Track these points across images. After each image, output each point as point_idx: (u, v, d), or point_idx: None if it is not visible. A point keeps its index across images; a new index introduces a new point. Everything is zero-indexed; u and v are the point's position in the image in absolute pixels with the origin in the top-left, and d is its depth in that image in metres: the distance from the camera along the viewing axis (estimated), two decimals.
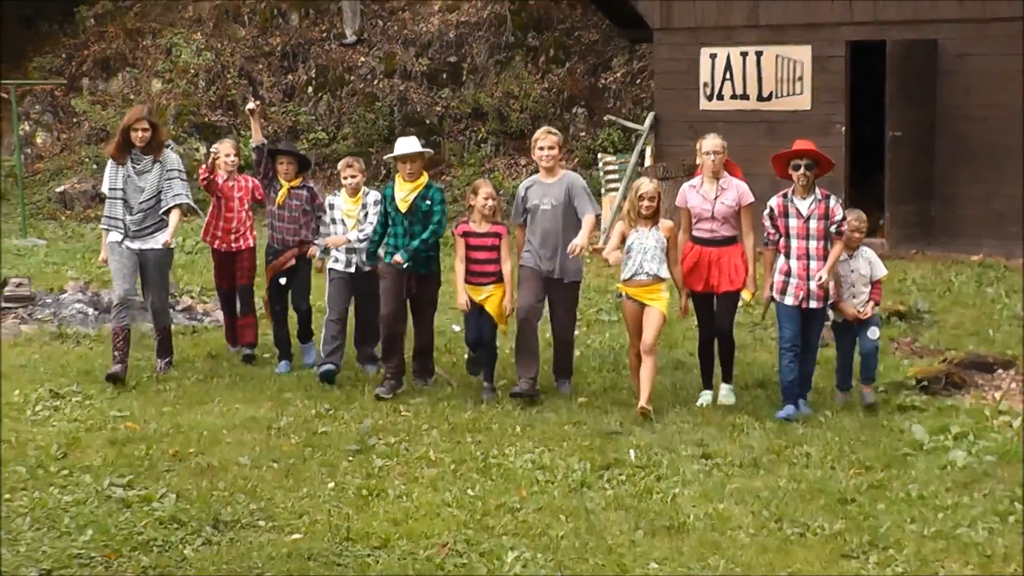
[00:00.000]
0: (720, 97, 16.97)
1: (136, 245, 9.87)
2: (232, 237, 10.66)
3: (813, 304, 8.85)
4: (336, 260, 10.03)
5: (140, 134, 9.81)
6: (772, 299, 9.01)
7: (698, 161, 9.40)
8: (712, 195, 9.25)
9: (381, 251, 9.53)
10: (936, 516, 6.79)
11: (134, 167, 9.86)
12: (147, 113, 10.03)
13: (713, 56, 16.95)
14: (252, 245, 10.73)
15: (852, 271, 9.16)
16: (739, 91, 16.82)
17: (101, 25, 25.15)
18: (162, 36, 24.11)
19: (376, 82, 22.53)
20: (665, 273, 8.97)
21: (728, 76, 16.91)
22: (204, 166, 10.61)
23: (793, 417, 8.68)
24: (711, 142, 9.35)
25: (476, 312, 9.38)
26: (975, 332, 11.12)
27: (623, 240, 9.03)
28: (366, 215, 9.84)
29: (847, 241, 9.00)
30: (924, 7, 15.52)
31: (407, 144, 9.45)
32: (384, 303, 9.42)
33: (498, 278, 9.36)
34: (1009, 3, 15.02)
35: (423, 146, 9.59)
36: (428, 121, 21.70)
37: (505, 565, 6.09)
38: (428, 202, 9.30)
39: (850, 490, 7.22)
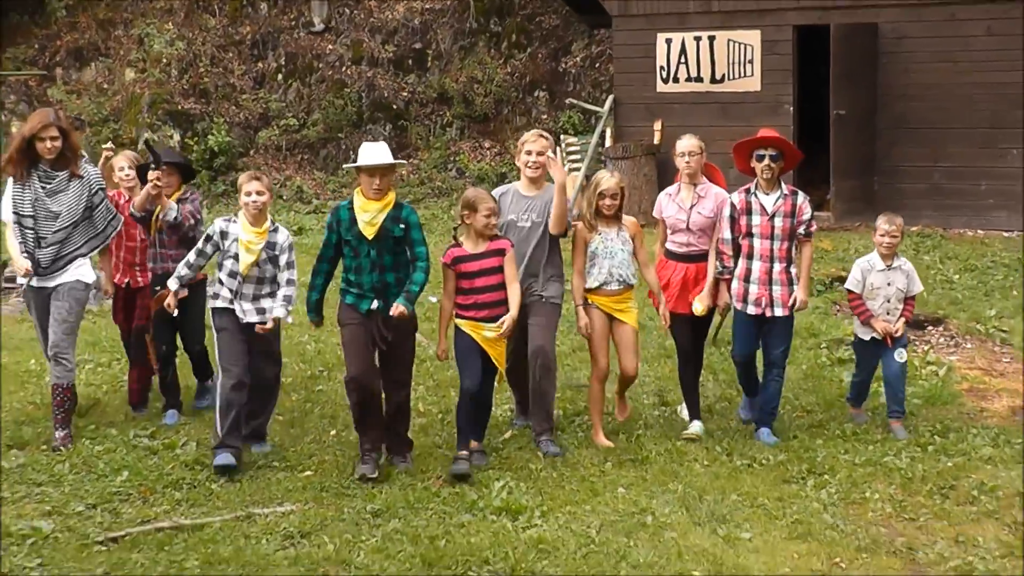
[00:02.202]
0: (676, 80, 17.87)
1: (44, 283, 7.98)
2: (136, 270, 8.80)
3: (778, 312, 7.93)
4: (218, 297, 7.70)
5: (48, 144, 7.83)
6: (729, 307, 8.14)
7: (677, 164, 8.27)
8: (688, 203, 8.16)
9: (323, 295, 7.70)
10: (866, 448, 7.76)
11: (43, 186, 7.88)
12: (55, 118, 8.01)
13: (668, 41, 17.83)
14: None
15: (889, 284, 8.30)
16: (693, 74, 17.72)
17: (73, 15, 25.67)
18: (134, 26, 24.74)
19: (344, 69, 23.20)
20: (635, 279, 8.03)
21: (683, 60, 17.80)
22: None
23: (748, 419, 8.32)
24: (686, 143, 8.22)
25: (476, 355, 7.54)
26: None
27: (585, 247, 7.95)
28: (273, 260, 7.65)
29: (882, 250, 8.26)
30: None
31: (375, 152, 7.39)
32: (350, 361, 7.37)
33: (503, 312, 7.55)
34: None
35: (392, 150, 7.72)
36: (395, 106, 22.45)
37: (492, 492, 6.99)
38: (402, 226, 7.36)
39: (792, 429, 8.18)
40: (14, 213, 7.93)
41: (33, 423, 8.48)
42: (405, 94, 22.67)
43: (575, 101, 19.95)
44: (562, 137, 19.50)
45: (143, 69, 23.89)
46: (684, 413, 8.40)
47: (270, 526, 6.56)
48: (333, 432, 8.19)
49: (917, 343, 10.44)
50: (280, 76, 23.53)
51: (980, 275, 12.81)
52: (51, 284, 7.96)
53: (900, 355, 8.26)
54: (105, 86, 24.17)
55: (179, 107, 23.18)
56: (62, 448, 7.84)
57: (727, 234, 8.05)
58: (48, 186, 7.89)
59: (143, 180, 8.29)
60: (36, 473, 7.44)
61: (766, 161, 7.94)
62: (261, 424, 8.00)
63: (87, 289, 8.14)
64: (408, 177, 21.44)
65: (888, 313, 8.30)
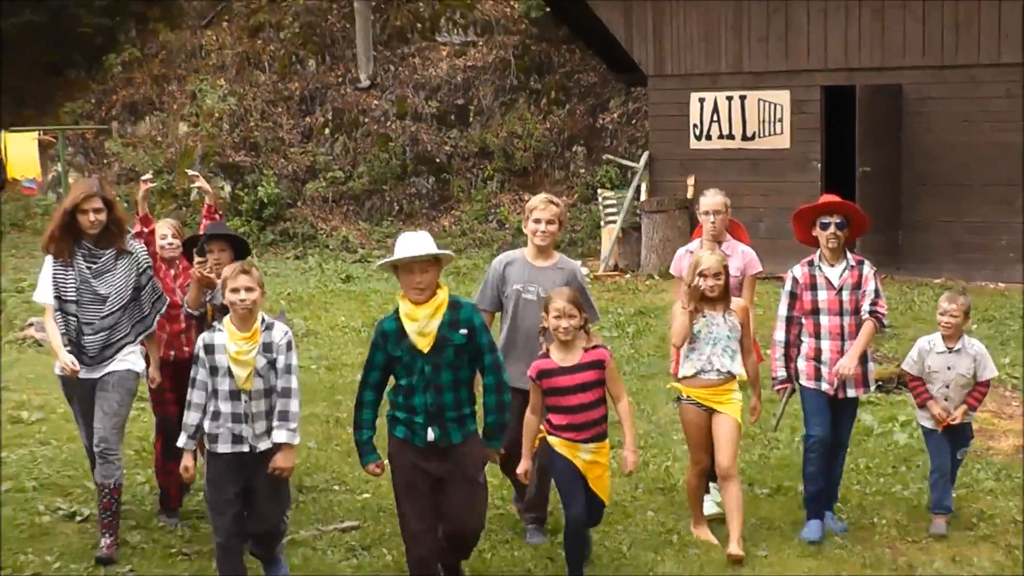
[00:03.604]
0: (708, 137, 18.65)
1: (92, 375, 7.12)
2: (183, 339, 7.82)
3: (851, 393, 7.39)
4: (216, 439, 6.39)
5: (92, 217, 6.99)
6: (793, 389, 7.47)
7: (699, 219, 7.85)
8: None
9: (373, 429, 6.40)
10: (878, 480, 8.43)
11: (88, 266, 7.05)
12: (99, 188, 7.10)
13: (702, 100, 18.64)
14: None
15: (949, 368, 7.49)
16: (725, 131, 18.51)
17: (128, 71, 26.79)
18: (187, 82, 25.80)
19: (389, 123, 24.13)
20: (739, 369, 7.12)
21: (715, 118, 18.59)
22: (135, 218, 8.01)
23: (820, 538, 7.27)
24: (711, 200, 7.75)
25: (578, 478, 6.58)
26: None
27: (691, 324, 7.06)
28: (274, 364, 6.34)
29: (943, 331, 7.49)
30: (890, 55, 17.19)
31: (415, 243, 6.08)
32: (407, 518, 6.24)
33: (604, 431, 6.63)
34: (965, 52, 16.72)
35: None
36: (438, 160, 23.33)
37: None
38: (464, 331, 6.10)
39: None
40: (56, 298, 7.04)
41: None
42: (447, 148, 23.52)
43: (612, 157, 20.75)
44: (599, 191, 20.26)
45: (196, 123, 24.87)
46: (708, 506, 7.68)
47: (334, 540, 7.31)
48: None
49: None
50: (327, 130, 24.45)
51: (997, 325, 13.45)
52: (97, 375, 7.11)
53: (961, 454, 7.67)
54: (159, 139, 25.18)
55: (230, 159, 24.08)
56: (108, 558, 7.00)
57: (784, 311, 7.43)
58: (94, 266, 7.05)
59: (189, 256, 7.66)
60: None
61: (831, 229, 7.26)
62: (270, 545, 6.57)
63: (137, 379, 7.29)
64: (451, 228, 22.28)
65: (946, 400, 7.51)
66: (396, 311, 6.15)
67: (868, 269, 7.37)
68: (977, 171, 16.71)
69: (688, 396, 7.13)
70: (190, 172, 8.98)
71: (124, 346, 7.17)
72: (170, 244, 7.93)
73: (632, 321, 14.35)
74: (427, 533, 6.17)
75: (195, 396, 6.39)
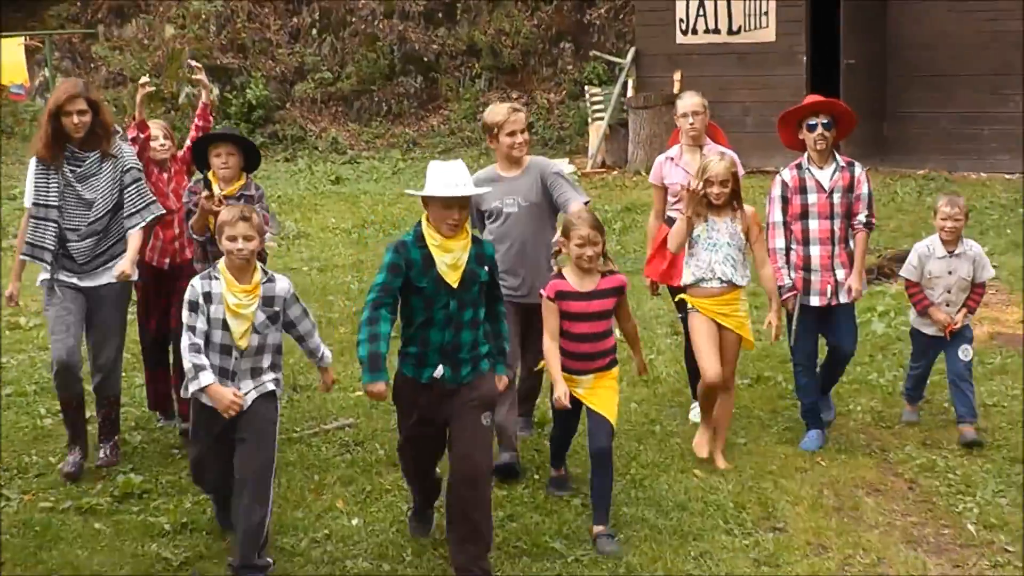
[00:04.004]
0: (695, 32, 18.67)
1: (85, 282, 6.93)
2: (175, 246, 7.62)
3: (844, 298, 7.18)
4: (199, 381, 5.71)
5: (76, 119, 6.75)
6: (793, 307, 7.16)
7: (677, 123, 7.59)
8: (695, 168, 7.18)
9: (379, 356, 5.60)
10: (855, 368, 8.63)
11: (72, 170, 6.83)
12: (83, 88, 6.86)
13: None
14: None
15: (951, 272, 7.40)
16: (711, 26, 18.52)
17: None
18: None
19: (376, 23, 24.00)
20: (744, 279, 6.89)
21: (701, 12, 18.59)
22: (131, 122, 7.67)
23: (820, 447, 7.23)
24: (689, 101, 7.49)
25: (573, 413, 6.33)
26: (911, 234, 12.90)
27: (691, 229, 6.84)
28: (274, 318, 5.83)
29: (944, 235, 7.38)
30: None
31: (453, 175, 5.67)
32: (410, 444, 6.01)
33: (612, 360, 6.29)
34: None
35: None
36: (426, 59, 23.28)
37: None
38: (487, 268, 5.76)
39: (787, 349, 9.03)
40: (35, 204, 6.84)
41: None
42: (435, 47, 23.46)
43: (598, 53, 20.74)
44: (586, 88, 20.29)
45: (183, 25, 24.75)
46: (693, 414, 7.69)
47: (328, 436, 7.56)
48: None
49: (891, 281, 11.31)
50: (315, 31, 24.35)
51: (978, 215, 13.61)
52: (91, 284, 6.91)
53: (965, 352, 7.42)
54: (146, 42, 25.06)
55: (218, 62, 23.98)
56: (111, 464, 7.12)
57: (778, 216, 7.20)
58: (78, 169, 6.81)
59: (199, 162, 7.16)
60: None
61: (819, 131, 7.05)
62: (255, 530, 5.71)
63: (127, 288, 7.12)
64: (439, 128, 22.33)
65: (948, 305, 7.43)
66: (417, 236, 5.66)
67: (860, 171, 7.19)
68: (963, 61, 16.82)
69: (693, 306, 6.87)
70: (193, 63, 8.60)
71: (119, 255, 6.91)
72: (161, 146, 7.63)
73: (619, 217, 14.53)
74: (430, 471, 6.05)
75: (199, 338, 5.75)
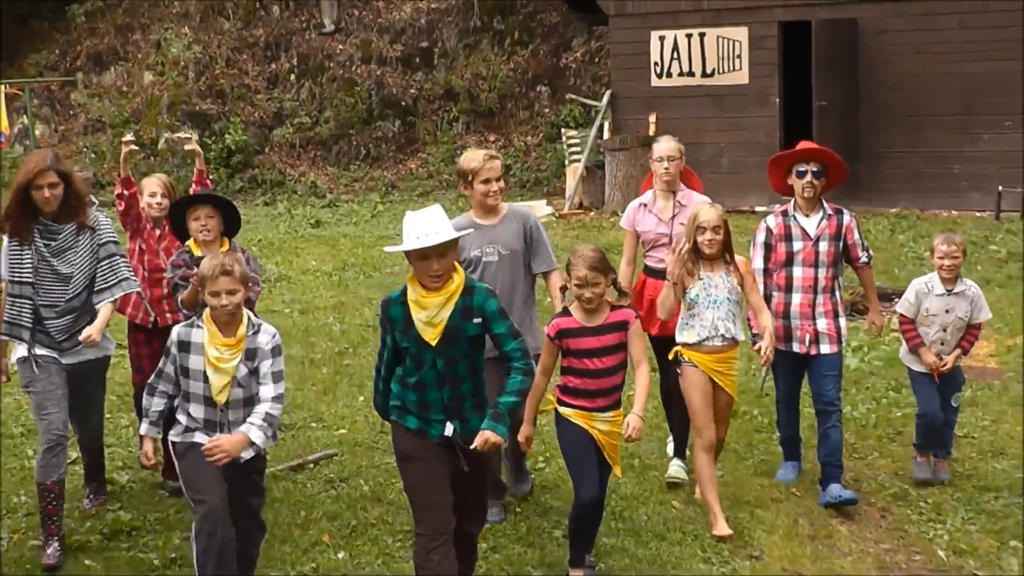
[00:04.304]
0: (669, 75, 18.96)
1: (67, 359, 6.60)
2: (163, 306, 7.45)
3: (825, 348, 7.06)
4: (188, 430, 5.70)
5: (47, 193, 6.39)
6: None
7: (652, 168, 7.47)
8: (668, 214, 7.32)
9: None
10: None
11: (46, 244, 6.48)
12: (52, 160, 6.47)
13: (662, 38, 18.93)
14: None
15: (948, 311, 7.27)
16: (685, 69, 18.82)
17: (92, 21, 26.81)
18: (151, 31, 25.86)
19: (354, 68, 24.29)
20: (742, 333, 6.77)
21: (675, 56, 18.90)
22: (117, 180, 7.63)
23: (795, 478, 7.33)
24: (665, 145, 7.40)
25: (591, 453, 6.03)
26: (884, 271, 13.15)
27: (683, 291, 6.68)
28: (252, 374, 5.65)
29: (943, 273, 7.26)
30: None
31: (427, 223, 5.34)
32: (427, 514, 5.41)
33: (620, 399, 6.09)
34: None
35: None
36: (403, 103, 23.54)
37: None
38: (478, 321, 5.36)
39: (767, 389, 9.22)
40: (10, 281, 6.51)
41: None
42: (413, 91, 23.73)
43: (575, 96, 21.02)
44: (563, 130, 20.55)
45: (161, 72, 24.96)
46: (670, 448, 7.73)
47: (314, 473, 7.69)
48: (362, 398, 9.27)
49: (884, 313, 11.51)
50: (293, 76, 24.60)
51: None
52: (72, 361, 6.62)
53: (955, 400, 7.43)
54: (125, 88, 25.27)
55: (196, 108, 24.22)
56: (99, 505, 7.14)
57: (759, 263, 7.12)
58: (53, 243, 6.48)
59: (176, 228, 6.91)
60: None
61: (808, 178, 7.00)
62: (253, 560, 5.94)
63: (106, 359, 6.95)
64: (417, 171, 22.55)
65: (942, 344, 7.29)
66: (403, 292, 5.41)
67: (848, 218, 7.09)
68: (932, 102, 17.12)
69: (690, 359, 6.66)
70: (182, 135, 8.72)
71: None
72: (159, 204, 7.45)
73: None
74: (446, 520, 5.42)
75: (161, 385, 5.72)
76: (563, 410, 6.04)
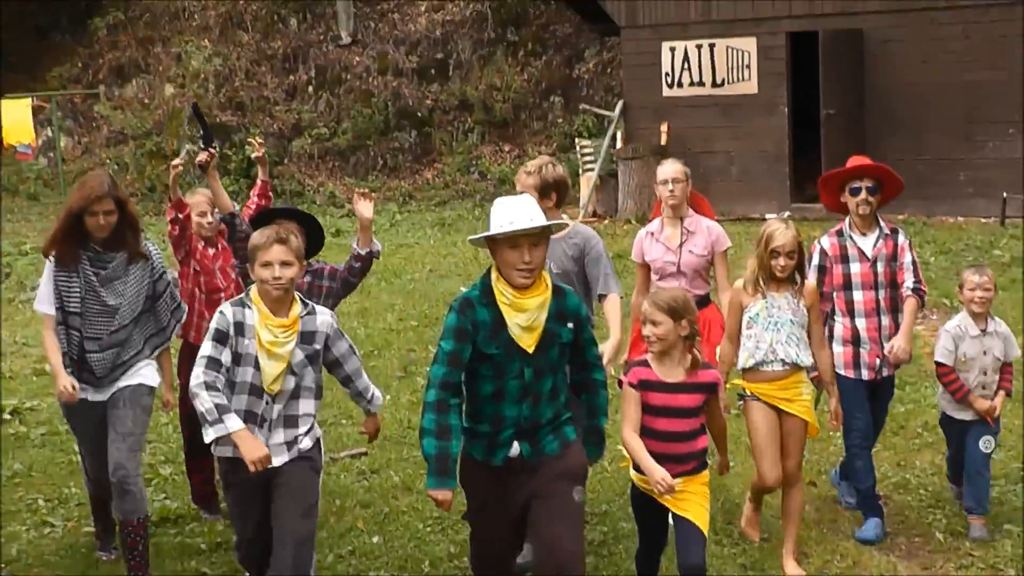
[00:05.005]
0: (680, 85, 19.40)
1: (99, 396, 6.24)
2: None
3: (886, 372, 6.80)
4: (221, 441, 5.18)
5: (101, 220, 6.05)
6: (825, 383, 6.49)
7: (657, 193, 7.17)
8: (676, 242, 7.02)
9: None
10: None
11: (96, 272, 6.12)
12: (109, 186, 6.08)
13: (672, 49, 19.37)
14: None
15: (985, 352, 6.86)
16: (696, 79, 19.25)
17: (114, 34, 27.35)
18: (172, 44, 26.38)
19: (371, 79, 24.73)
20: (808, 359, 6.22)
21: (686, 66, 19.33)
22: (169, 205, 7.08)
23: (878, 537, 6.73)
24: (669, 168, 7.07)
25: (660, 525, 5.67)
26: None
27: (741, 313, 6.23)
28: (313, 359, 5.30)
29: (975, 308, 6.80)
30: (851, 2, 17.96)
31: (521, 211, 4.84)
32: (481, 539, 5.18)
33: (703, 463, 5.50)
34: None
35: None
36: (419, 114, 23.99)
37: None
38: (571, 326, 4.95)
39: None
40: (57, 309, 6.12)
41: None
42: (429, 102, 24.17)
43: (588, 106, 21.45)
44: (576, 140, 21.00)
45: (182, 84, 25.44)
46: None
47: (347, 466, 8.14)
48: (388, 397, 9.72)
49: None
50: (311, 88, 25.07)
51: (954, 257, 14.33)
52: (106, 396, 6.22)
53: (986, 444, 6.87)
54: (146, 101, 25.76)
55: (217, 119, 24.64)
56: None
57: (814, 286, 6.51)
58: (102, 272, 6.11)
59: (233, 244, 6.62)
60: None
61: (862, 195, 6.60)
62: None
63: (152, 394, 6.33)
64: (434, 181, 23.01)
65: (984, 388, 6.87)
66: (485, 290, 4.87)
67: (903, 239, 6.74)
68: (937, 110, 17.51)
69: (752, 392, 6.21)
70: (256, 141, 8.41)
71: (135, 363, 6.26)
72: (209, 223, 7.20)
73: None
74: (508, 556, 5.13)
75: (219, 379, 5.09)
76: (632, 473, 5.56)
